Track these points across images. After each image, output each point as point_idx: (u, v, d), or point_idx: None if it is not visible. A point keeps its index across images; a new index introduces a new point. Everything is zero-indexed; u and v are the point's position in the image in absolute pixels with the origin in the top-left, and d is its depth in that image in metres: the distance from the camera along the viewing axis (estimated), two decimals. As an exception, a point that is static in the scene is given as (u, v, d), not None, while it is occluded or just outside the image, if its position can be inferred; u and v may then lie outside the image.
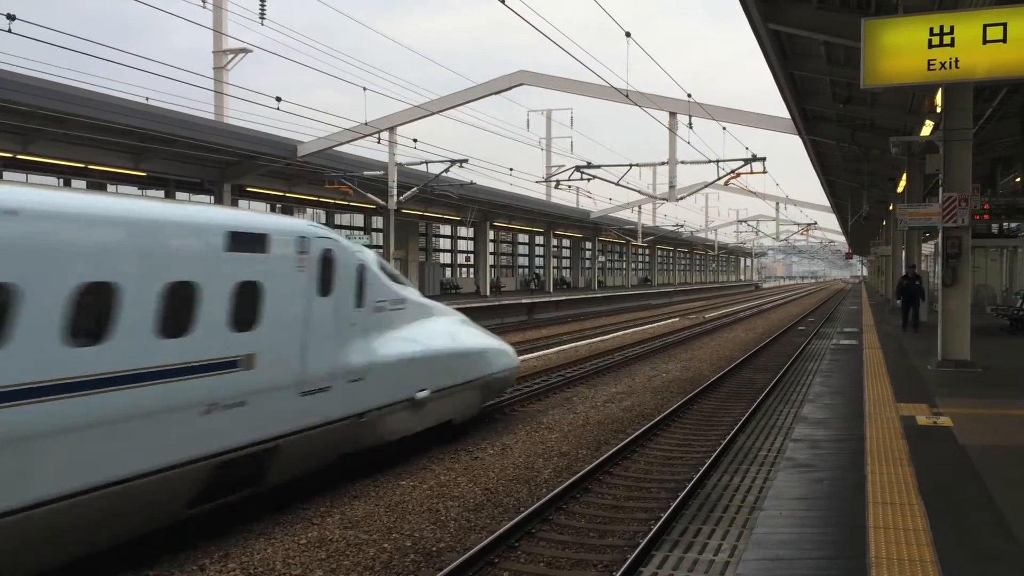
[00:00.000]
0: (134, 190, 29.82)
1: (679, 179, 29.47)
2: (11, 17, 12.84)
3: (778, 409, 15.39)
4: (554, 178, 36.35)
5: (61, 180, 26.49)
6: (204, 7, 17.92)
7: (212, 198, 29.72)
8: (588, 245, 68.13)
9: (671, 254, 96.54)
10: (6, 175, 24.46)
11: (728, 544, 7.84)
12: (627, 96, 24.76)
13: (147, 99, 23.22)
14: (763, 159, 28.69)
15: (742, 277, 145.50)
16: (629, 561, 7.40)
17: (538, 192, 50.55)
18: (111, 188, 27.18)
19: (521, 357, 24.07)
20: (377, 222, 42.10)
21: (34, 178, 26.30)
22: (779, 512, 6.14)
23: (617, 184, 31.57)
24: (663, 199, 38.41)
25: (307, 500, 9.87)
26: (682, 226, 74.12)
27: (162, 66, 23.10)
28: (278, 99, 21.35)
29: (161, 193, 29.89)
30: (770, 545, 5.45)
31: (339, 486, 10.49)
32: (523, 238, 61.81)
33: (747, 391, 18.02)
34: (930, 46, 11.41)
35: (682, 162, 29.08)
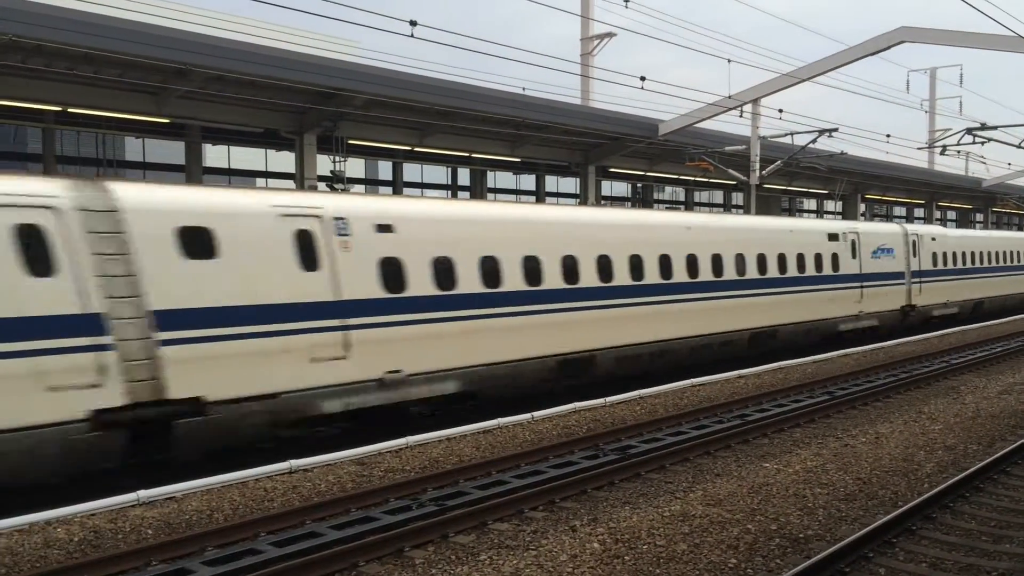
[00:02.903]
0: (509, 175, 32.26)
1: (1101, 137, 25.04)
2: (413, 23, 14.48)
3: None
4: (939, 143, 32.82)
5: (448, 168, 29.43)
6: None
7: (578, 179, 31.12)
8: (979, 217, 60.59)
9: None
10: (406, 167, 27.76)
11: None
12: (1033, 45, 21.52)
13: (523, 89, 24.89)
14: None
15: None
16: (1033, 573, 6.54)
17: (919, 160, 45.97)
18: (489, 174, 29.66)
19: (897, 342, 22.36)
20: (738, 198, 41.22)
21: (427, 168, 29.55)
22: None
23: (1019, 147, 27.66)
24: (1078, 162, 32.88)
25: (670, 474, 10.06)
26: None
27: (535, 55, 24.67)
28: (642, 79, 21.73)
29: (532, 177, 31.98)
30: None
31: (702, 463, 10.54)
32: (899, 211, 56.63)
33: None
34: None
35: (1105, 117, 24.65)
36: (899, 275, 24.51)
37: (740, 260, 18.60)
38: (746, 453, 11.00)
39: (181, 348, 9.94)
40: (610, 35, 33.36)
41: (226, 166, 25.84)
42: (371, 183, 30.78)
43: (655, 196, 38.36)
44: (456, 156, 27.45)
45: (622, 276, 15.81)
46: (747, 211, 32.46)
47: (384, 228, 12.24)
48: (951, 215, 61.39)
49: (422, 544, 7.71)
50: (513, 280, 13.93)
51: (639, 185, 36.53)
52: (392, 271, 12.21)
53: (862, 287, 22.71)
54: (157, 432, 9.82)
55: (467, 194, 29.81)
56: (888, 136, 34.12)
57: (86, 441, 9.12)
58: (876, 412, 13.51)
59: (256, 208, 10.99)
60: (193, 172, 21.89)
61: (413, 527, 7.85)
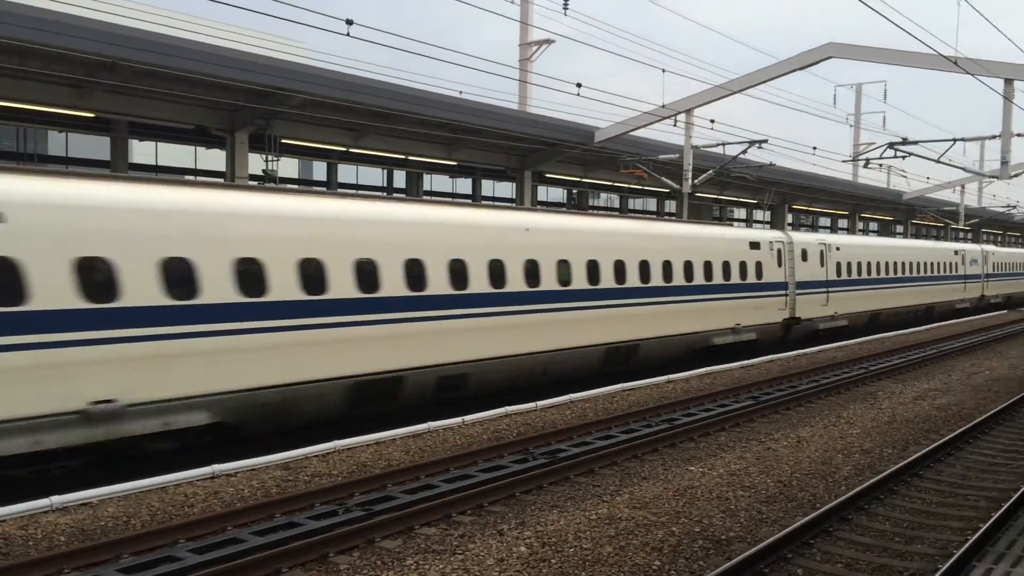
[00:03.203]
0: (445, 179, 32.17)
1: (1014, 154, 26.17)
2: (349, 22, 14.34)
3: None
4: (862, 156, 33.84)
5: (384, 171, 29.21)
6: (512, 2, 18.78)
7: (515, 184, 31.22)
8: (899, 228, 62.68)
9: (1000, 239, 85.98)
10: (341, 168, 27.46)
11: (1065, 567, 6.92)
12: (955, 63, 22.39)
13: (460, 92, 24.86)
14: (1124, 128, 24.60)
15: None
16: (943, 570, 6.78)
17: (844, 172, 47.35)
18: (426, 177, 29.53)
19: (819, 348, 22.95)
20: (670, 206, 41.85)
21: (362, 170, 29.31)
22: None
23: (937, 161, 28.68)
24: (992, 177, 34.30)
25: (598, 478, 10.15)
26: (1015, 207, 65.71)
27: (473, 59, 24.64)
28: (578, 85, 21.91)
29: (469, 181, 31.97)
30: (1119, 572, 4.74)
31: (629, 467, 10.66)
32: (824, 221, 58.22)
33: (1095, 396, 15.66)
34: None
35: (1018, 135, 25.78)
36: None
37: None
38: (673, 456, 11.17)
39: None
40: (548, 42, 33.59)
41: (153, 163, 25.21)
42: (305, 183, 30.36)
43: (591, 202, 38.69)
44: (392, 158, 27.28)
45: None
46: (679, 219, 32.99)
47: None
48: (873, 226, 63.41)
49: (347, 550, 7.64)
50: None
51: (575, 191, 36.82)
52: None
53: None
54: None
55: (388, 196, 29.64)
56: (815, 149, 34.96)
57: None
58: (798, 416, 13.86)
59: None
60: (119, 168, 21.29)
61: (338, 532, 7.76)
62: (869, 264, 28.46)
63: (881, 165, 34.14)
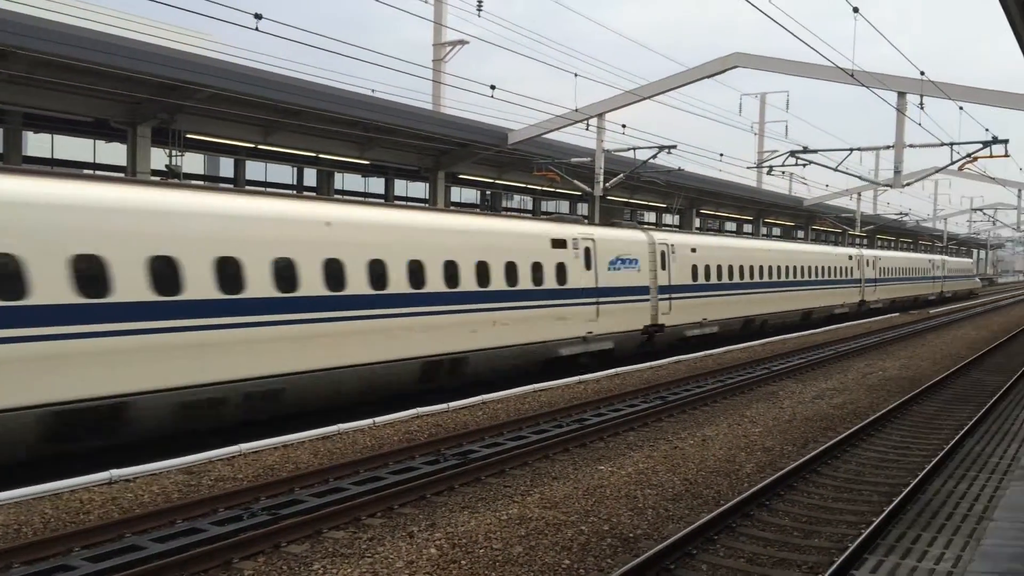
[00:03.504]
0: (357, 178, 31.79)
1: (906, 164, 27.45)
2: (258, 16, 14.02)
3: (1014, 415, 14.05)
4: (766, 164, 34.96)
5: (295, 168, 28.68)
6: (426, 2, 18.70)
7: (428, 185, 31.11)
8: (800, 234, 65.06)
9: (893, 244, 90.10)
10: (249, 165, 26.83)
11: (952, 554, 7.27)
12: (852, 76, 23.35)
13: (373, 91, 24.61)
14: (1005, 141, 26.10)
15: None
16: (839, 563, 7.05)
17: (749, 179, 48.83)
18: (338, 176, 29.13)
19: (724, 349, 23.59)
20: (583, 208, 42.38)
21: (271, 167, 28.71)
22: (1011, 524, 5.64)
23: (835, 170, 29.87)
24: (886, 185, 35.93)
25: (509, 479, 10.18)
26: (907, 215, 68.99)
27: (386, 58, 24.47)
28: (492, 87, 21.96)
29: (382, 181, 31.67)
30: (1001, 558, 5.02)
31: (540, 467, 10.74)
32: (730, 226, 59.97)
33: (976, 393, 16.57)
34: None
35: (910, 145, 27.03)
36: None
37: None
38: (583, 456, 11.30)
39: None
40: (462, 42, 33.59)
41: (49, 156, 24.13)
42: (211, 180, 29.55)
43: (504, 204, 38.87)
44: (303, 156, 26.81)
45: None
46: (591, 222, 33.45)
47: None
48: (776, 231, 65.57)
49: (252, 555, 7.46)
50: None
51: (488, 193, 36.91)
52: None
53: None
54: None
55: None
56: (721, 155, 36.04)
57: None
58: (704, 416, 14.21)
59: None
60: (12, 160, 20.30)
61: (243, 538, 7.57)
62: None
63: (783, 172, 35.32)
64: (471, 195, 37.68)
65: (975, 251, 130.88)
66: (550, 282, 17.99)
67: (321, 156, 27.01)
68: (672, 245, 23.20)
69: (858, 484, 10.09)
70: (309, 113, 22.44)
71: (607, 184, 30.36)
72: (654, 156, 30.28)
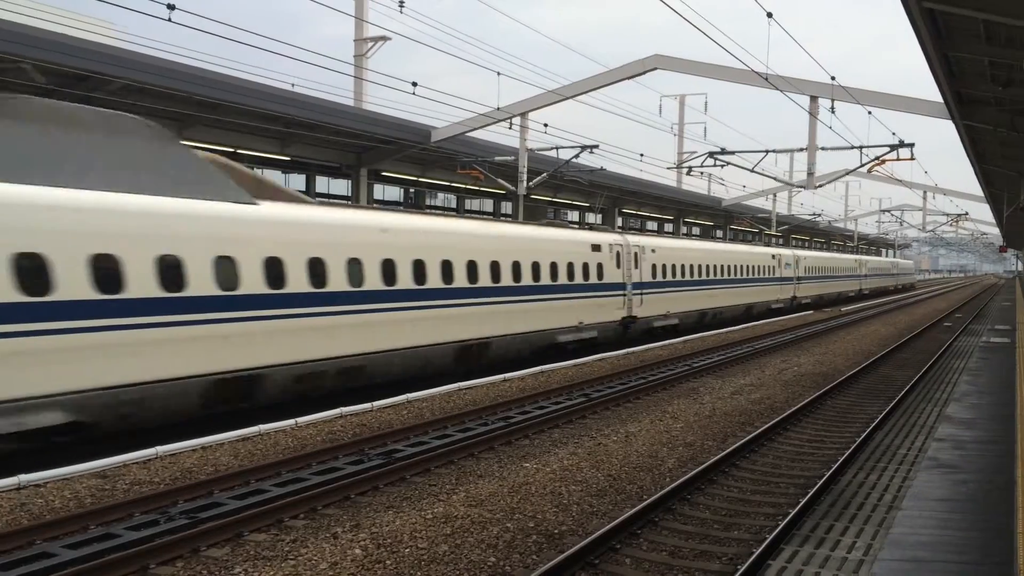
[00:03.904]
0: (278, 174, 31.20)
1: (818, 166, 28.40)
2: (171, 7, 13.63)
3: (920, 408, 14.65)
4: (686, 164, 35.68)
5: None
6: (346, -4, 18.39)
7: (350, 182, 30.73)
8: (719, 233, 66.63)
9: (807, 244, 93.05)
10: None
11: (863, 542, 7.55)
12: (766, 79, 24.00)
13: (292, 86, 24.20)
14: (911, 145, 27.23)
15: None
16: (756, 554, 7.25)
17: (669, 179, 49.78)
18: (257, 171, 28.54)
19: (647, 347, 24.03)
20: (507, 207, 42.52)
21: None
22: (919, 513, 5.88)
23: (752, 171, 30.70)
24: (800, 187, 37.06)
25: (434, 477, 10.14)
26: (819, 215, 71.35)
27: (307, 53, 24.10)
28: (414, 84, 21.83)
29: (303, 177, 31.16)
30: (908, 546, 5.23)
31: (466, 465, 10.72)
32: (652, 225, 61.01)
33: (886, 388, 17.24)
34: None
35: (822, 148, 27.97)
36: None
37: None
38: (508, 454, 11.33)
39: None
40: (384, 39, 33.30)
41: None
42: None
43: (428, 202, 38.69)
44: (220, 151, 26.17)
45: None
46: (515, 220, 33.57)
47: None
48: (696, 230, 66.93)
49: (170, 560, 7.26)
50: None
51: (411, 190, 36.69)
52: None
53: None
54: None
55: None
56: (642, 155, 36.60)
57: None
58: (627, 412, 14.42)
59: None
60: None
61: (160, 543, 7.36)
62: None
63: (702, 173, 36.10)
64: (395, 193, 37.41)
65: (883, 251, 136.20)
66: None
67: (239, 152, 26.42)
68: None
69: (775, 477, 10.38)
70: (227, 107, 21.93)
71: (531, 183, 30.52)
72: (577, 155, 30.58)
